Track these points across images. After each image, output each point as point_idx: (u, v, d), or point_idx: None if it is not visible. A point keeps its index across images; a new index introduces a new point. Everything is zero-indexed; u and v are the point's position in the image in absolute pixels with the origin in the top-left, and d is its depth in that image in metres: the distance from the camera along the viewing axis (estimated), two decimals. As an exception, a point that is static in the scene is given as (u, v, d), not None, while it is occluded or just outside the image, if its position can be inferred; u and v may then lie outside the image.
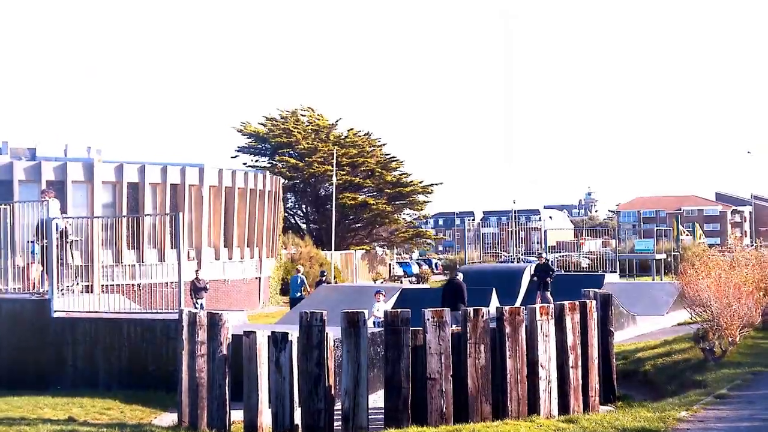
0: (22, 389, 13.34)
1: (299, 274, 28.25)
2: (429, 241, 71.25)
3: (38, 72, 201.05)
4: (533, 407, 10.75)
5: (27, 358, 14.70)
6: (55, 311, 14.48)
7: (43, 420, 10.77)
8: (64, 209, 29.81)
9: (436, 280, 54.26)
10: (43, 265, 15.28)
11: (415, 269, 63.43)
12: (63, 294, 14.92)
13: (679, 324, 21.04)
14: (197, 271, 27.94)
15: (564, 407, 11.09)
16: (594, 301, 12.30)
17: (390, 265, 63.23)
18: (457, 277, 20.56)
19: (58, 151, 38.27)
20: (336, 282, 40.56)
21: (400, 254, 74.04)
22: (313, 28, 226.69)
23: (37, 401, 12.15)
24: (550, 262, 28.88)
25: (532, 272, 27.13)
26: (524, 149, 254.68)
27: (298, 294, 27.44)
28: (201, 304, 25.21)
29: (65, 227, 15.45)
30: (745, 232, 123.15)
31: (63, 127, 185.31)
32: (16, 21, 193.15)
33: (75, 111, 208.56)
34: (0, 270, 16.24)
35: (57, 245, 14.56)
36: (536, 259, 29.51)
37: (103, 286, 20.60)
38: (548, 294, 24.98)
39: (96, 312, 14.74)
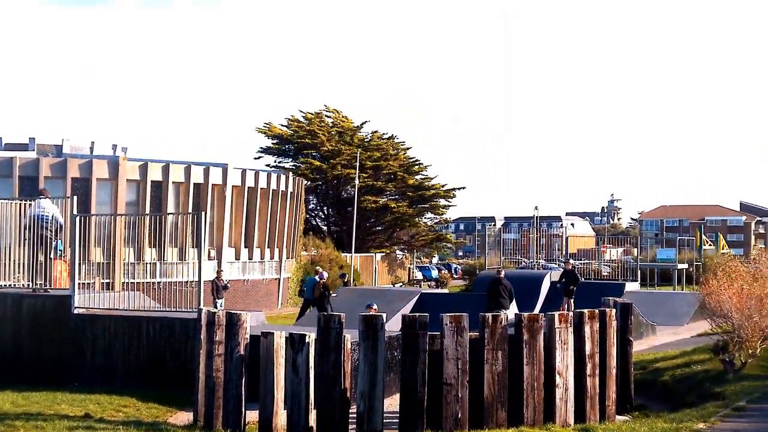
0: (42, 385, 13.46)
1: (316, 276, 28.05)
2: (449, 245, 71.13)
3: (67, 70, 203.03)
4: (549, 415, 10.70)
5: (46, 353, 14.84)
6: (75, 308, 14.59)
7: (60, 416, 10.85)
8: (88, 207, 30.13)
9: (456, 285, 54.15)
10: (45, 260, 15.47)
11: (434, 273, 63.37)
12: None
13: (699, 335, 20.85)
14: (219, 270, 28.05)
15: (580, 416, 11.03)
16: (614, 310, 12.22)
17: (410, 268, 63.20)
18: (503, 276, 20.76)
19: (84, 149, 38.67)
20: (355, 285, 40.59)
21: (420, 258, 73.97)
22: (326, 30, 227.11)
23: (55, 397, 12.26)
24: (576, 270, 28.78)
25: (558, 278, 27.01)
26: (547, 155, 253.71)
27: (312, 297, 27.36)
28: (220, 304, 25.32)
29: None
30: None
31: (90, 125, 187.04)
32: (44, 21, 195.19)
33: (102, 109, 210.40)
34: (23, 266, 16.38)
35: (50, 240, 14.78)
36: (563, 265, 29.40)
37: (123, 283, 20.72)
38: (572, 301, 24.88)
39: (116, 309, 14.85)
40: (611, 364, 11.74)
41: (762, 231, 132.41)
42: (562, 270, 28.05)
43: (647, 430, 9.77)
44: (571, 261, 30.09)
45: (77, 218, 14.68)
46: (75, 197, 15.82)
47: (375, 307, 21.17)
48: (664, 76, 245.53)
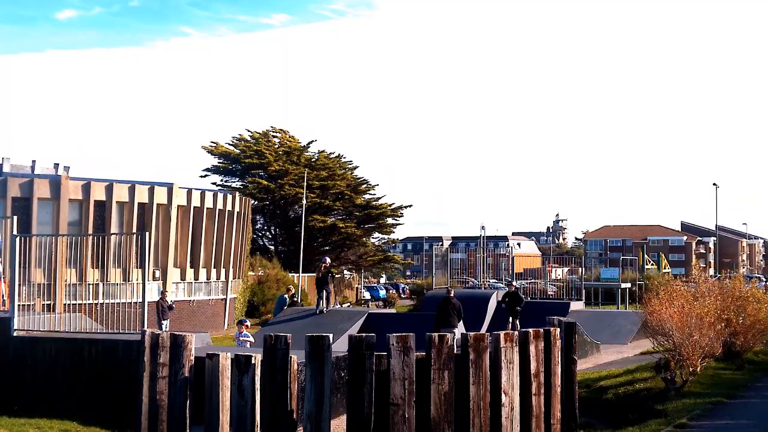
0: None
1: (285, 295, 28.38)
2: (397, 265, 71.20)
3: (8, 87, 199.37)
4: (495, 434, 10.76)
5: (-15, 377, 14.44)
6: (15, 330, 14.26)
7: (-1, 441, 10.59)
8: (29, 227, 29.52)
9: (403, 305, 54.19)
10: None
11: (382, 293, 63.39)
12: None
13: (642, 353, 21.21)
14: (164, 291, 27.69)
15: (526, 435, 11.11)
16: (558, 329, 12.37)
17: (357, 288, 63.11)
18: (453, 295, 21.36)
19: (25, 168, 37.91)
20: (302, 305, 40.35)
21: (368, 278, 73.92)
22: (324, 30, 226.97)
23: (-7, 422, 11.96)
24: (520, 291, 29.03)
25: (501, 299, 27.23)
26: (495, 174, 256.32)
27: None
28: (165, 325, 24.98)
29: None
30: (710, 262, 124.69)
31: (31, 143, 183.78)
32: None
33: (44, 127, 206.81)
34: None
35: None
36: (506, 287, 29.65)
37: (65, 305, 20.33)
38: (517, 322, 25.08)
39: (57, 331, 14.54)
40: (556, 383, 11.87)
41: (702, 251, 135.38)
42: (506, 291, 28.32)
43: (591, 448, 9.87)
44: (515, 283, 30.36)
45: (17, 239, 14.38)
46: (15, 217, 15.48)
47: (248, 323, 21.29)
48: (607, 99, 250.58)
